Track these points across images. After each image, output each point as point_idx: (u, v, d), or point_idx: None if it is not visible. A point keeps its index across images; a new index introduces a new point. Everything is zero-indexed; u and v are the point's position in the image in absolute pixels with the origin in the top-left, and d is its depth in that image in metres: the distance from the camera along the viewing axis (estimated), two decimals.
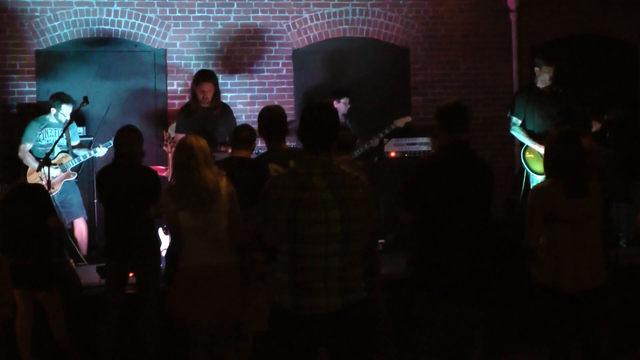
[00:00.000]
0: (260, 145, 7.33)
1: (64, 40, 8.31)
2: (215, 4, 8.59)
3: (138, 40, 8.46)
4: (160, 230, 6.76)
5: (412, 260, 4.05)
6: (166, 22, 8.49)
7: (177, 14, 8.52)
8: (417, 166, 4.20)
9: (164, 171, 7.23)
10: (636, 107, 9.16)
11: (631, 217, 6.79)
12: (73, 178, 7.52)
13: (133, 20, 8.41)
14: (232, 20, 8.63)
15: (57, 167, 7.30)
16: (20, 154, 7.22)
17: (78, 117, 7.77)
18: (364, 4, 8.91)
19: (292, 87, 8.80)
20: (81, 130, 7.97)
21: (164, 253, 6.32)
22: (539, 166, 7.07)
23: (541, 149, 6.52)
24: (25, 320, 5.57)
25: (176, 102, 8.42)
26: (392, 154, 8.14)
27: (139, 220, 5.44)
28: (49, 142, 7.36)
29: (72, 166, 7.47)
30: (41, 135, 7.45)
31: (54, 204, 6.49)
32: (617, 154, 6.27)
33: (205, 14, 8.57)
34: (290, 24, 8.78)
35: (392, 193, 6.67)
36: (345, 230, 3.33)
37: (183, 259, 4.72)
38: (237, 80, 8.65)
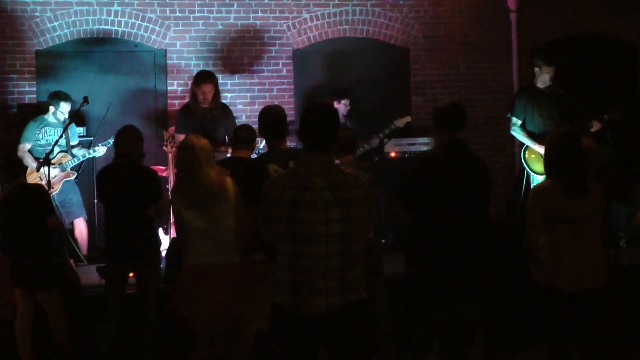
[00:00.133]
0: (260, 145, 7.36)
1: (64, 40, 8.31)
2: (215, 4, 8.59)
3: (138, 40, 8.46)
4: (160, 230, 6.77)
5: (411, 261, 4.06)
6: (166, 22, 8.49)
7: (177, 14, 8.51)
8: (415, 166, 4.20)
9: (164, 171, 7.23)
10: (636, 107, 9.17)
11: (631, 217, 6.78)
12: (73, 177, 7.52)
13: (133, 20, 8.41)
14: (232, 21, 8.63)
15: (55, 167, 7.30)
16: (19, 154, 7.23)
17: (78, 117, 7.77)
18: (364, 4, 8.91)
19: (292, 87, 8.80)
20: (81, 130, 7.96)
21: (164, 253, 6.32)
22: (539, 166, 7.07)
23: (541, 149, 6.53)
24: (25, 320, 5.57)
25: (176, 102, 8.42)
26: (392, 154, 8.14)
27: (139, 220, 5.45)
28: (48, 142, 7.36)
29: (72, 165, 7.46)
30: (40, 135, 7.45)
31: (54, 204, 6.49)
32: (617, 154, 6.27)
33: (205, 14, 8.57)
34: (290, 24, 8.78)
35: (392, 193, 6.68)
36: (345, 230, 3.33)
37: (188, 258, 4.74)
38: (237, 80, 8.65)
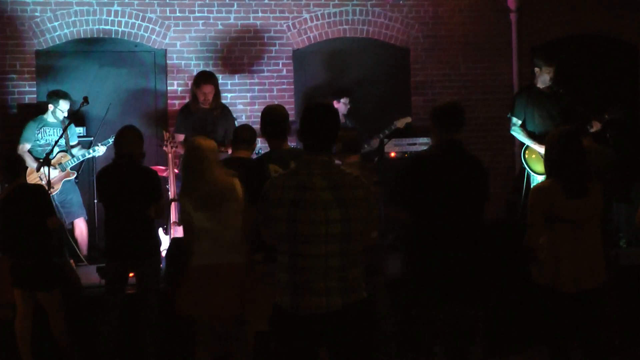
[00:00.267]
0: (260, 145, 7.35)
1: (64, 40, 8.31)
2: (215, 4, 8.59)
3: (138, 40, 8.46)
4: (160, 230, 6.77)
5: (408, 262, 4.05)
6: (166, 22, 8.49)
7: (177, 14, 8.51)
8: (408, 164, 4.20)
9: (164, 171, 7.23)
10: (636, 107, 9.17)
11: (631, 217, 6.78)
12: (72, 177, 7.52)
13: (133, 20, 8.41)
14: (232, 21, 8.63)
15: (55, 168, 7.29)
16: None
17: (78, 117, 7.77)
18: (364, 4, 8.91)
19: (292, 87, 8.80)
20: (81, 130, 7.97)
21: (164, 253, 6.32)
22: (539, 166, 7.07)
23: (541, 149, 6.53)
24: (25, 320, 5.56)
25: (176, 102, 8.42)
26: (392, 154, 8.14)
27: (139, 220, 5.45)
28: (48, 142, 7.36)
29: (71, 165, 7.46)
30: (39, 135, 7.45)
31: (54, 204, 6.49)
32: (617, 154, 6.27)
33: (205, 14, 8.57)
34: (290, 24, 8.78)
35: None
36: (345, 231, 3.33)
37: (194, 258, 4.75)
38: (237, 80, 8.65)
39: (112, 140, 5.88)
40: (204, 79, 7.15)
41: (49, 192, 6.34)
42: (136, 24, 8.42)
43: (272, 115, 4.73)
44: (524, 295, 4.84)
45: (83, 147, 7.64)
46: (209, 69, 8.13)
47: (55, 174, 7.24)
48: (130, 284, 5.68)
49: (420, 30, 9.06)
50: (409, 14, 9.03)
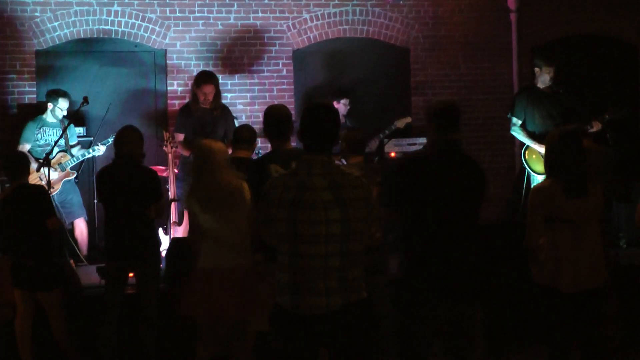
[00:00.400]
0: (260, 145, 7.36)
1: (64, 40, 8.31)
2: (215, 4, 8.59)
3: (138, 40, 8.46)
4: (160, 230, 6.77)
5: (404, 263, 4.01)
6: (166, 22, 8.49)
7: (177, 14, 8.51)
8: (400, 164, 4.16)
9: (164, 171, 7.23)
10: (636, 107, 9.16)
11: (631, 217, 6.78)
12: (72, 177, 7.52)
13: (133, 20, 8.41)
14: (232, 21, 8.63)
15: (55, 170, 7.29)
16: None
17: (78, 118, 7.77)
18: (364, 4, 8.91)
19: (292, 87, 8.80)
20: (81, 130, 7.97)
21: (164, 253, 6.32)
22: (539, 166, 7.07)
23: (542, 149, 6.53)
24: (25, 320, 5.56)
25: (176, 102, 8.42)
26: (392, 154, 8.14)
27: (139, 220, 5.45)
28: (47, 142, 7.36)
29: (71, 165, 7.46)
30: (39, 135, 7.45)
31: (54, 205, 6.49)
32: (617, 154, 6.27)
33: (205, 14, 8.57)
34: (290, 24, 8.78)
35: None
36: (345, 231, 3.33)
37: (200, 261, 4.75)
38: (237, 80, 8.65)
39: (112, 140, 5.88)
40: (205, 78, 7.15)
41: (49, 192, 6.33)
42: (136, 24, 8.42)
43: (275, 115, 4.73)
44: (524, 295, 4.83)
45: (83, 147, 7.64)
46: (209, 69, 8.13)
47: (55, 174, 7.24)
48: (130, 284, 5.68)
49: (420, 30, 9.06)
50: (409, 14, 9.03)
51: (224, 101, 7.66)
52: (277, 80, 8.76)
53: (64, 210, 7.38)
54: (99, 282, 5.92)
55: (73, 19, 8.29)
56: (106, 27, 8.37)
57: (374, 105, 8.76)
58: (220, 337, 4.91)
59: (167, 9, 8.49)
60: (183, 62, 8.54)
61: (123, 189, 5.45)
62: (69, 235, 7.40)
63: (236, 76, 8.65)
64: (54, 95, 7.50)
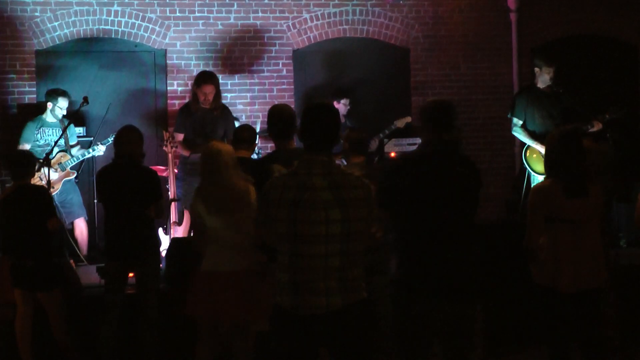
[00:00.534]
0: (260, 145, 7.36)
1: (64, 40, 8.30)
2: (215, 4, 8.58)
3: (138, 40, 8.46)
4: (160, 230, 6.77)
5: (403, 263, 4.00)
6: (166, 22, 8.49)
7: (177, 14, 8.51)
8: (393, 165, 4.15)
9: (164, 171, 7.23)
10: (636, 107, 9.16)
11: (631, 217, 6.78)
12: (72, 177, 7.52)
13: (133, 20, 8.41)
14: (232, 21, 8.63)
15: (55, 170, 7.29)
16: None
17: (78, 117, 7.77)
18: (364, 4, 8.91)
19: (292, 87, 8.80)
20: (81, 130, 7.96)
21: (164, 253, 6.32)
22: (540, 166, 7.06)
23: (542, 149, 6.53)
24: (25, 320, 5.56)
25: (176, 102, 8.42)
26: (392, 154, 8.14)
27: (139, 220, 5.45)
28: (47, 142, 7.36)
29: (71, 165, 7.46)
30: (38, 135, 7.45)
31: (55, 204, 6.48)
32: (617, 154, 6.27)
33: (205, 14, 8.57)
34: (290, 24, 8.78)
35: None
36: (345, 231, 3.33)
37: (205, 263, 4.76)
38: (237, 80, 8.65)
39: (112, 140, 5.88)
40: (205, 78, 7.15)
41: (49, 192, 6.33)
42: (136, 24, 8.42)
43: (278, 115, 4.73)
44: (524, 295, 4.83)
45: (83, 147, 7.64)
46: (209, 69, 8.13)
47: (55, 174, 7.24)
48: (130, 284, 5.68)
49: (420, 30, 9.06)
50: (409, 14, 9.03)
51: (224, 101, 7.65)
52: (277, 80, 8.76)
53: (64, 210, 7.38)
54: (99, 282, 5.92)
55: (73, 18, 8.29)
56: (106, 27, 8.37)
57: (374, 105, 8.76)
58: (220, 337, 4.92)
59: (167, 8, 8.49)
60: (183, 62, 8.54)
61: (123, 189, 5.45)
62: (69, 235, 7.40)
63: (236, 76, 8.65)
64: (54, 94, 7.50)
